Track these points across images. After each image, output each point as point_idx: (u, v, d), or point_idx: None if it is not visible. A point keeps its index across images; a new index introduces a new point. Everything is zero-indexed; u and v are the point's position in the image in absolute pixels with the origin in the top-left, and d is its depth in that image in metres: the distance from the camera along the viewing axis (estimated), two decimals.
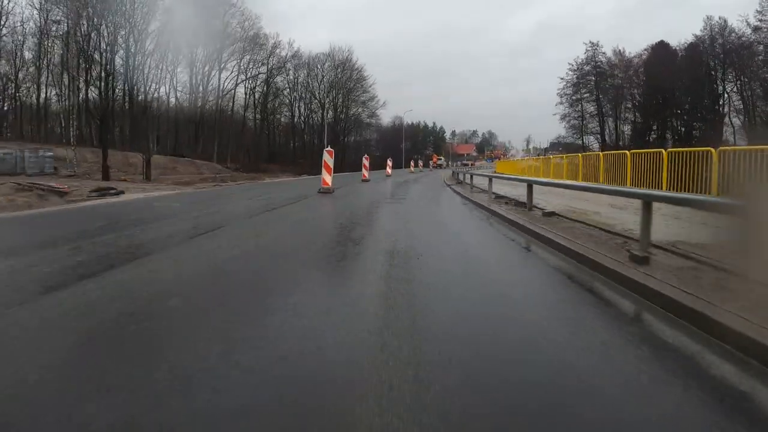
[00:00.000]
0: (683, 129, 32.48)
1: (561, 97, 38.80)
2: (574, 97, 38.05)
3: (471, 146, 69.73)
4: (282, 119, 37.97)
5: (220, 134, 30.73)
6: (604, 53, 37.99)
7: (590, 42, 38.68)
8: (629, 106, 35.67)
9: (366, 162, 15.38)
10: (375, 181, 14.19)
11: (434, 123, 63.67)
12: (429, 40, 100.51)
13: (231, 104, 33.89)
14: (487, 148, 74.51)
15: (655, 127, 33.77)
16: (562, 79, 39.13)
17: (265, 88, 35.02)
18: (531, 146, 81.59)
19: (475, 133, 75.74)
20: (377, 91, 41.82)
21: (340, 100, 38.29)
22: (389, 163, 20.63)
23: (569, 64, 39.23)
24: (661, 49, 32.88)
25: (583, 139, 38.38)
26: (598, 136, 37.78)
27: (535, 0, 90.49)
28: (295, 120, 38.09)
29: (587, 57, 37.97)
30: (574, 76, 38.22)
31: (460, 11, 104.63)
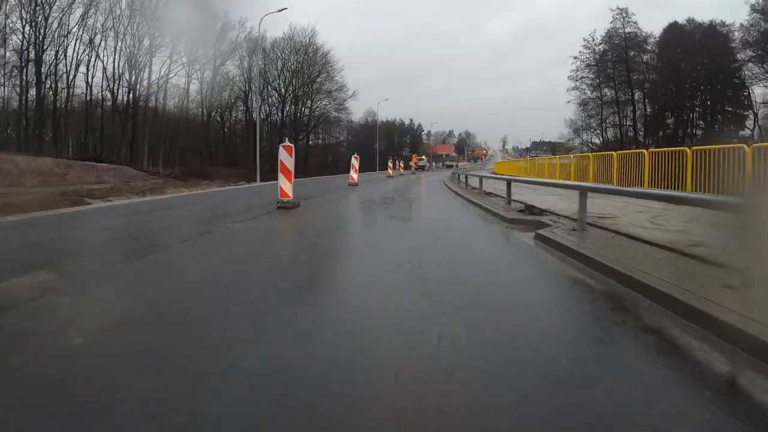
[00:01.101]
0: (702, 122, 31.22)
1: (575, 80, 35.38)
2: (598, 79, 33.99)
3: (450, 146, 70.77)
4: (238, 116, 34.09)
5: (153, 133, 27.17)
6: (635, 23, 33.18)
7: (617, 8, 33.16)
8: (637, 97, 33.43)
9: (355, 162, 15.21)
10: (345, 192, 12.30)
11: (411, 120, 62.62)
12: (400, 45, 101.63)
13: (178, 98, 30.21)
14: (466, 148, 75.90)
15: (671, 121, 32.18)
16: (575, 58, 35.32)
17: (213, 79, 31.31)
18: (509, 147, 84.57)
19: (451, 133, 76.89)
20: (347, 80, 39.02)
21: (302, 89, 35.56)
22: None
23: (584, 40, 35.42)
24: (674, 31, 31.16)
25: (582, 137, 36.84)
26: (599, 132, 35.77)
27: (516, 3, 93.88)
28: (254, 116, 34.32)
29: (612, 30, 33.44)
30: (592, 54, 34.43)
31: (439, 13, 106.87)
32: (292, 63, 35.84)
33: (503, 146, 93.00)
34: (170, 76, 30.34)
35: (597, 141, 35.07)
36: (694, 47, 29.90)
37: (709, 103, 30.94)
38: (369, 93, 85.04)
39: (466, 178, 14.43)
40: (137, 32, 28.15)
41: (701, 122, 31.42)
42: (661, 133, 31.64)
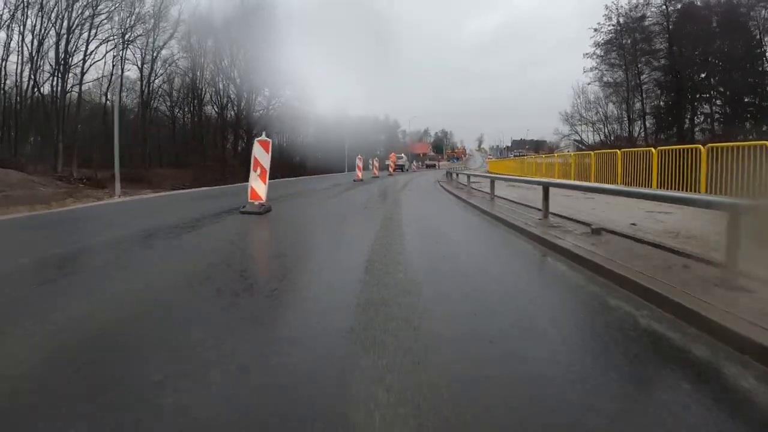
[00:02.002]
0: (719, 115, 28.75)
1: (596, 57, 32.83)
2: (623, 60, 30.99)
3: (427, 145, 70.99)
4: (201, 111, 31.15)
5: (70, 129, 24.19)
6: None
7: None
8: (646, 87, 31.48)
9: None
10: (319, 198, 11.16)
11: (387, 116, 61.84)
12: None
13: (109, 87, 27.08)
14: (445, 147, 77.24)
15: (686, 115, 29.79)
16: (596, 30, 32.59)
17: (152, 65, 28.34)
18: (485, 146, 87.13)
19: (427, 131, 77.69)
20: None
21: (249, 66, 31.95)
22: (359, 164, 20.39)
23: (606, 7, 32.54)
24: (688, 15, 29.23)
25: (579, 132, 34.97)
26: (599, 127, 33.63)
27: (495, 3, 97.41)
28: (207, 108, 31.54)
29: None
30: (615, 27, 31.45)
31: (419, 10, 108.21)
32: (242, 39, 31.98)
33: (479, 146, 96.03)
34: (99, 59, 27.14)
35: (598, 138, 33.57)
36: (711, 31, 28.39)
37: (727, 93, 28.75)
38: (339, 90, 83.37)
39: (468, 178, 13.70)
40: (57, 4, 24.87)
41: (718, 114, 29.25)
42: (675, 129, 29.69)
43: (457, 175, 18.64)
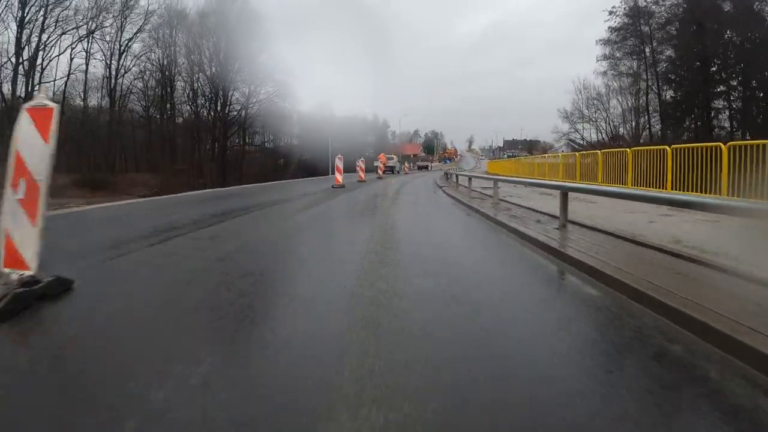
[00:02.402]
0: (734, 110, 26.53)
1: (611, 43, 30.75)
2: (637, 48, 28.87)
3: (417, 146, 70.37)
4: (179, 111, 29.70)
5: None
6: None
7: None
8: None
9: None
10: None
11: (375, 115, 60.78)
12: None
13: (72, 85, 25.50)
14: (436, 148, 77.26)
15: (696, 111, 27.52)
16: (611, 13, 30.34)
17: (120, 60, 26.82)
18: (476, 147, 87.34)
19: (417, 132, 77.48)
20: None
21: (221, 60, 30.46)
22: (339, 165, 16.30)
23: None
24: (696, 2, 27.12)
25: (580, 130, 33.39)
26: (603, 125, 31.93)
27: (484, 4, 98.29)
28: (183, 108, 30.04)
29: None
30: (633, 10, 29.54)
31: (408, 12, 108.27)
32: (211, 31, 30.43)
33: (470, 147, 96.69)
34: (62, 53, 25.48)
35: (601, 137, 32.14)
36: (723, 19, 26.48)
37: (740, 88, 26.75)
38: (325, 88, 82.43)
39: (469, 180, 12.36)
40: None
41: (733, 111, 27.09)
42: (692, 124, 27.71)
43: (454, 176, 17.63)
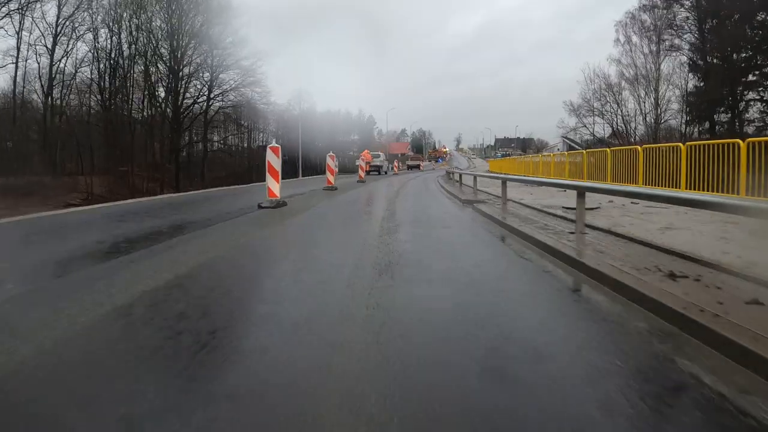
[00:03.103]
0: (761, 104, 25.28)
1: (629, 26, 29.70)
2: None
3: (405, 144, 68.95)
4: (120, 100, 26.83)
5: None
6: None
7: None
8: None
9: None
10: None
11: (360, 111, 58.67)
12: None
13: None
14: (425, 146, 76.27)
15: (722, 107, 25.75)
16: None
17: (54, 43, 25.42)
18: (464, 146, 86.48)
19: (404, 131, 76.39)
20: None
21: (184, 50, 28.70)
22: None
23: None
24: None
25: (586, 125, 32.31)
26: (613, 120, 30.77)
27: (474, 4, 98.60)
28: (133, 102, 27.38)
29: None
30: None
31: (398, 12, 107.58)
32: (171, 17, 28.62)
33: (458, 146, 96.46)
34: None
35: (614, 129, 31.32)
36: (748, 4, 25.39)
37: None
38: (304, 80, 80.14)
39: (474, 179, 11.28)
40: None
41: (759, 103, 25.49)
42: (717, 117, 25.59)
43: (455, 174, 16.04)
